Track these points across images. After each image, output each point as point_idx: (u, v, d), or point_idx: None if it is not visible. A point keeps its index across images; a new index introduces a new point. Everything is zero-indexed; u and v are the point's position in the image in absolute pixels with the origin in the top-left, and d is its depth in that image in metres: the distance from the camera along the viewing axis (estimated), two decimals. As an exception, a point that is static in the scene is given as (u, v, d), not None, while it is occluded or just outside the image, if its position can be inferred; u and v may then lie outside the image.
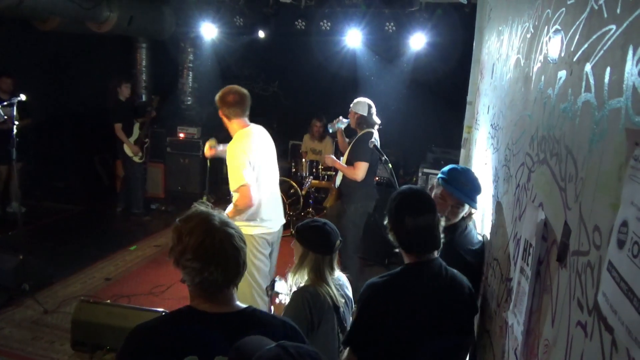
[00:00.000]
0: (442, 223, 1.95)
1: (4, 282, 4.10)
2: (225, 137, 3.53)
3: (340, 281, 2.33)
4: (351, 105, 4.25)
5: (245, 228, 3.16)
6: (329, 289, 2.18)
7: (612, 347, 0.73)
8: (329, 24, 5.94)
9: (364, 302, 1.89)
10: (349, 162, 4.14)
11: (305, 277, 2.22)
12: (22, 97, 4.21)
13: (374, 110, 4.20)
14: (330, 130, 4.50)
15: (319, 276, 2.19)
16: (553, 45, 1.40)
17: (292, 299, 2.21)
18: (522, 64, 1.96)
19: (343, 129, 4.46)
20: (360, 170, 4.04)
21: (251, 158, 3.15)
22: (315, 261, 2.20)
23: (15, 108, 4.09)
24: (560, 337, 0.95)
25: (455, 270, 1.94)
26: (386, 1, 5.13)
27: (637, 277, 0.67)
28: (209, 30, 6.69)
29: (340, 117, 4.36)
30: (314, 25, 6.00)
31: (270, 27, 6.39)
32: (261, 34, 6.53)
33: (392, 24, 5.80)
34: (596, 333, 0.79)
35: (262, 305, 3.27)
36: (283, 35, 6.62)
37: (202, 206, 1.48)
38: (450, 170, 2.40)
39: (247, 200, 3.11)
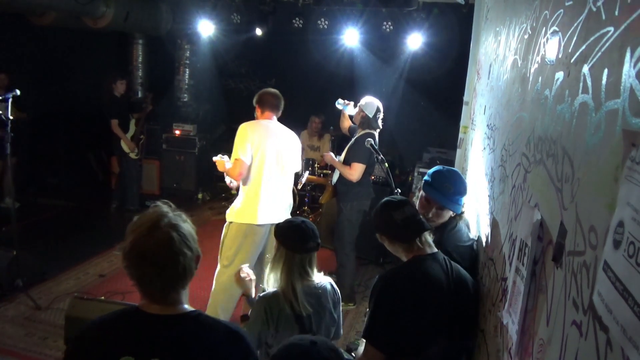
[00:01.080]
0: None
1: (-3, 278, 4.08)
2: (219, 135, 3.56)
3: (318, 288, 2.22)
4: (361, 101, 4.20)
5: (235, 215, 3.48)
6: (292, 296, 2.11)
7: (607, 347, 0.74)
8: (327, 22, 5.95)
9: (378, 294, 1.95)
10: (346, 162, 4.14)
11: (279, 275, 2.17)
12: (17, 92, 4.18)
13: (380, 115, 4.16)
14: (338, 107, 4.41)
15: (288, 276, 2.12)
16: (551, 47, 1.41)
17: (255, 303, 2.22)
18: (519, 65, 1.96)
19: (347, 114, 4.46)
20: (357, 171, 4.05)
21: (253, 141, 3.41)
22: (286, 258, 2.14)
23: (9, 104, 4.06)
24: (555, 336, 0.96)
25: (456, 264, 2.04)
26: (384, 0, 5.13)
27: (633, 277, 0.68)
28: (206, 27, 6.67)
29: (352, 104, 4.34)
30: (311, 23, 6.00)
31: (267, 25, 6.38)
32: (258, 31, 6.51)
33: (389, 23, 5.81)
34: (591, 332, 0.80)
35: (230, 285, 3.24)
36: (280, 33, 6.61)
37: (165, 207, 1.43)
38: (434, 173, 2.45)
39: (235, 173, 3.40)
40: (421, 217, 2.10)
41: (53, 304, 4.06)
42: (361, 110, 4.15)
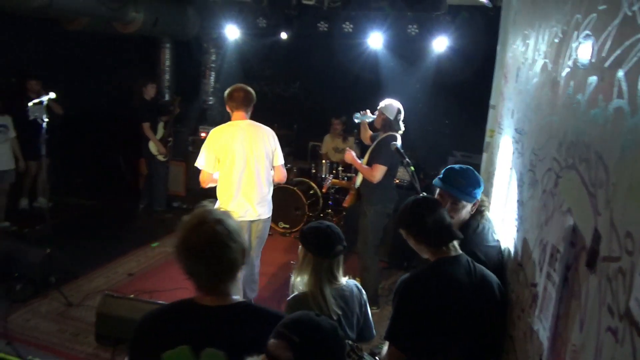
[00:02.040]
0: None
1: (32, 275, 4.22)
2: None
3: (345, 290, 2.22)
4: (380, 104, 4.20)
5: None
6: (321, 299, 2.11)
7: (643, 353, 0.74)
8: (352, 25, 5.95)
9: (401, 296, 1.96)
10: (369, 164, 4.15)
11: (305, 279, 2.18)
12: (52, 95, 4.33)
13: (401, 116, 4.16)
14: (356, 121, 4.44)
15: (316, 280, 2.13)
16: (583, 51, 1.40)
17: (285, 306, 2.23)
18: (549, 69, 1.94)
19: (367, 123, 4.47)
20: (378, 172, 4.04)
21: (219, 147, 3.59)
22: (314, 264, 2.14)
23: (44, 106, 4.20)
24: (589, 342, 0.96)
25: (481, 266, 2.02)
26: (412, 5, 5.10)
27: (671, 284, 0.68)
28: (232, 32, 6.76)
29: (368, 111, 4.35)
30: (336, 27, 6.02)
31: (292, 29, 6.43)
32: (283, 35, 6.57)
33: (414, 26, 5.79)
34: (627, 339, 0.79)
35: None
36: (305, 37, 6.65)
37: (210, 205, 1.54)
38: (446, 170, 2.47)
39: (201, 180, 3.66)
40: (451, 222, 2.07)
41: (84, 301, 4.18)
42: (382, 113, 4.16)
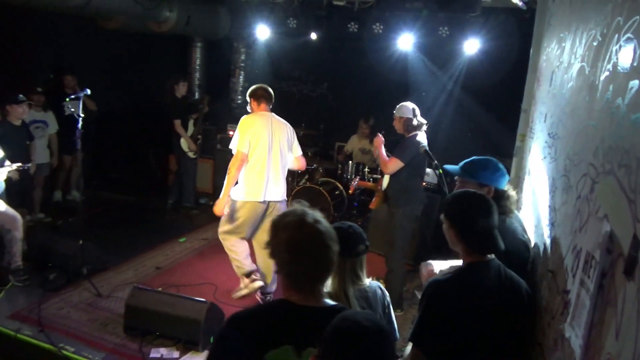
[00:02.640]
0: None
1: (64, 265, 4.36)
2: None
3: (368, 292, 2.21)
4: (394, 112, 4.25)
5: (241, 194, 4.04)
6: (344, 301, 2.07)
7: (685, 363, 0.72)
8: (382, 27, 5.94)
9: (429, 299, 1.94)
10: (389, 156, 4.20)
11: (329, 280, 2.18)
12: (87, 91, 4.45)
13: (418, 111, 4.18)
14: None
15: (340, 281, 2.11)
16: (624, 54, 1.37)
17: None
18: (586, 72, 1.91)
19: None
20: (393, 165, 4.09)
21: (253, 132, 3.98)
22: (337, 265, 2.13)
23: (81, 102, 4.33)
24: (626, 350, 0.94)
25: (511, 271, 1.99)
26: (446, 5, 5.06)
27: None
28: (262, 31, 6.83)
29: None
30: (366, 28, 6.01)
31: (322, 29, 6.45)
32: (313, 35, 6.60)
33: (445, 28, 5.73)
34: (667, 348, 0.78)
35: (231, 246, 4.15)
36: (335, 38, 6.67)
37: (299, 205, 1.56)
38: (465, 162, 2.60)
39: (237, 164, 3.99)
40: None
41: (113, 293, 4.29)
42: (399, 117, 4.18)
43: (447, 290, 1.93)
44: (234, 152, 4.04)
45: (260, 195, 4.01)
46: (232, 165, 3.99)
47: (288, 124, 4.23)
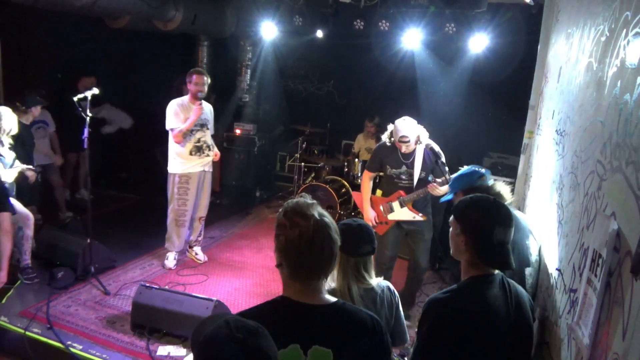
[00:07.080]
0: None
1: (73, 263, 4.39)
2: (278, 135, 3.64)
3: (375, 292, 2.16)
4: (405, 136, 3.75)
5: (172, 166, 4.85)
6: (348, 297, 2.06)
7: (692, 364, 0.71)
8: (388, 24, 5.90)
9: (433, 320, 1.77)
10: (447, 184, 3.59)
11: (334, 276, 2.12)
12: (96, 90, 4.47)
13: (415, 121, 3.84)
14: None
15: (343, 277, 2.10)
16: (632, 50, 1.35)
17: None
18: (594, 68, 1.88)
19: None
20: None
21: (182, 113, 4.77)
22: (341, 261, 2.07)
23: (89, 101, 4.35)
24: (633, 350, 0.92)
25: (514, 282, 1.86)
26: (452, 2, 5.01)
27: None
28: (268, 30, 6.82)
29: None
30: (372, 25, 5.98)
31: (328, 27, 6.43)
32: (319, 33, 6.58)
33: (452, 25, 5.68)
34: (675, 348, 0.76)
35: (175, 228, 4.87)
36: (341, 36, 6.64)
37: (303, 199, 1.55)
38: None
39: (178, 140, 4.76)
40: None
41: (120, 291, 4.32)
42: (416, 139, 3.82)
43: (453, 312, 1.75)
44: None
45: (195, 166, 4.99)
46: (177, 139, 4.85)
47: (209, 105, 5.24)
